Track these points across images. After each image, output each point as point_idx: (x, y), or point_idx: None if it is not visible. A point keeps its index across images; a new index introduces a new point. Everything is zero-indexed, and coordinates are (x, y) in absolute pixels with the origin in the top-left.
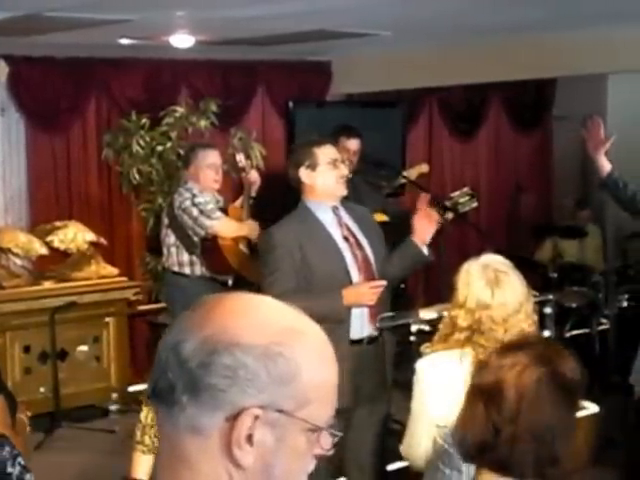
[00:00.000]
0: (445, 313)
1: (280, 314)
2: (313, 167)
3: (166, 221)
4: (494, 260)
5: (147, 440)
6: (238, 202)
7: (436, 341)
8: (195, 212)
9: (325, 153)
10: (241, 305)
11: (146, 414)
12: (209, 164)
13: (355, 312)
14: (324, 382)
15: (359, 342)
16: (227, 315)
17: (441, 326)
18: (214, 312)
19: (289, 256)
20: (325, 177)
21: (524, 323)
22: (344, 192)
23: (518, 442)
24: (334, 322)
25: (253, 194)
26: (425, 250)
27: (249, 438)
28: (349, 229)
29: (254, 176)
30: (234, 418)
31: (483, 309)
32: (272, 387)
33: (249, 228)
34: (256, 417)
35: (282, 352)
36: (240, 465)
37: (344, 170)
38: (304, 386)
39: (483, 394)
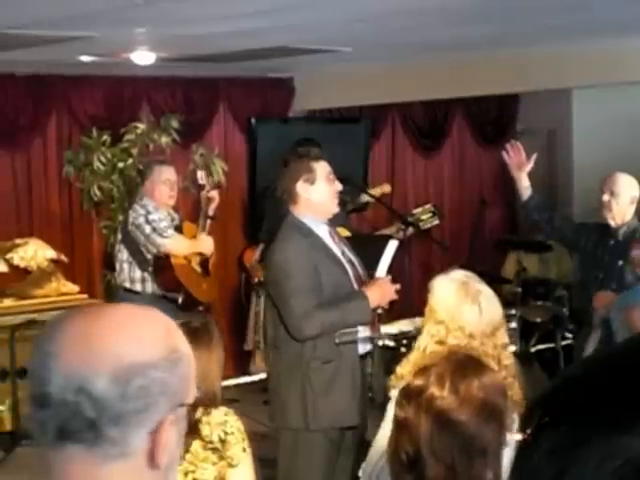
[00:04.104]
0: (405, 328)
1: (154, 318)
2: (311, 181)
3: (119, 236)
4: (468, 276)
5: None
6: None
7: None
8: (147, 229)
9: (323, 168)
10: (121, 322)
11: None
12: (164, 180)
13: (360, 327)
14: (194, 363)
15: (365, 356)
16: (121, 338)
17: (420, 344)
18: (101, 337)
19: (306, 270)
20: (322, 192)
21: (505, 337)
22: (337, 209)
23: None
24: (362, 324)
25: (211, 213)
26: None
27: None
28: (341, 245)
29: (213, 194)
30: (156, 431)
31: (472, 326)
32: (179, 389)
33: (203, 244)
34: (171, 421)
35: (180, 356)
36: (159, 468)
37: (339, 186)
38: (191, 374)
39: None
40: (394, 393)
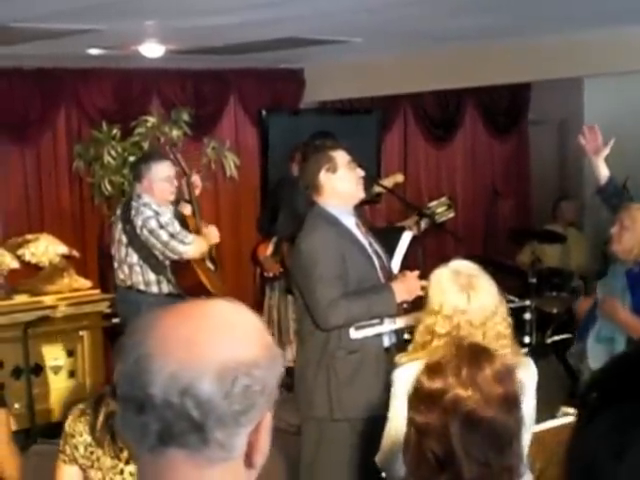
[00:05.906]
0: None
1: (247, 314)
2: (334, 170)
3: (124, 239)
4: (464, 265)
5: (68, 450)
6: (188, 210)
7: (412, 350)
8: (164, 236)
9: (342, 155)
10: (220, 320)
11: (69, 422)
12: (164, 178)
13: (386, 320)
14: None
15: (390, 349)
16: (225, 336)
17: (416, 335)
18: (203, 337)
19: (333, 259)
20: (345, 179)
21: (500, 326)
22: (363, 194)
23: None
24: (387, 316)
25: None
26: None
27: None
28: (368, 237)
29: (197, 182)
30: (256, 430)
31: (460, 314)
32: (274, 388)
33: (211, 236)
34: (268, 421)
35: (278, 353)
36: (255, 468)
37: (361, 172)
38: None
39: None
40: (396, 376)
